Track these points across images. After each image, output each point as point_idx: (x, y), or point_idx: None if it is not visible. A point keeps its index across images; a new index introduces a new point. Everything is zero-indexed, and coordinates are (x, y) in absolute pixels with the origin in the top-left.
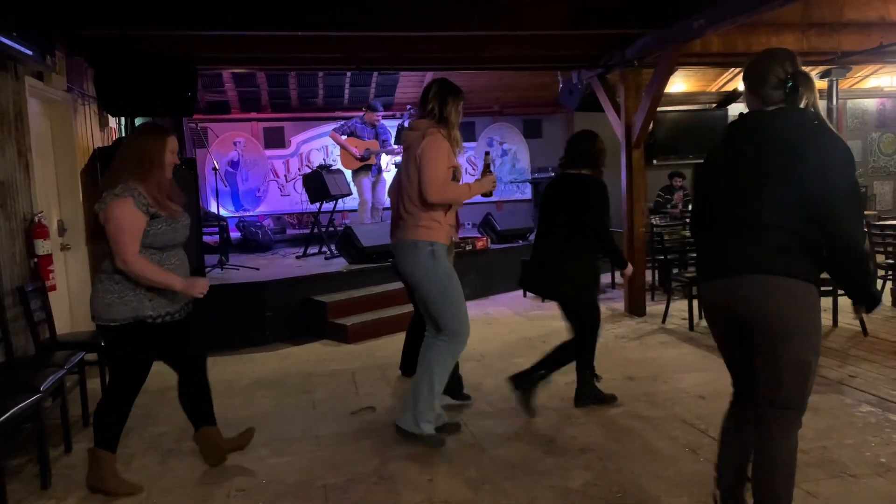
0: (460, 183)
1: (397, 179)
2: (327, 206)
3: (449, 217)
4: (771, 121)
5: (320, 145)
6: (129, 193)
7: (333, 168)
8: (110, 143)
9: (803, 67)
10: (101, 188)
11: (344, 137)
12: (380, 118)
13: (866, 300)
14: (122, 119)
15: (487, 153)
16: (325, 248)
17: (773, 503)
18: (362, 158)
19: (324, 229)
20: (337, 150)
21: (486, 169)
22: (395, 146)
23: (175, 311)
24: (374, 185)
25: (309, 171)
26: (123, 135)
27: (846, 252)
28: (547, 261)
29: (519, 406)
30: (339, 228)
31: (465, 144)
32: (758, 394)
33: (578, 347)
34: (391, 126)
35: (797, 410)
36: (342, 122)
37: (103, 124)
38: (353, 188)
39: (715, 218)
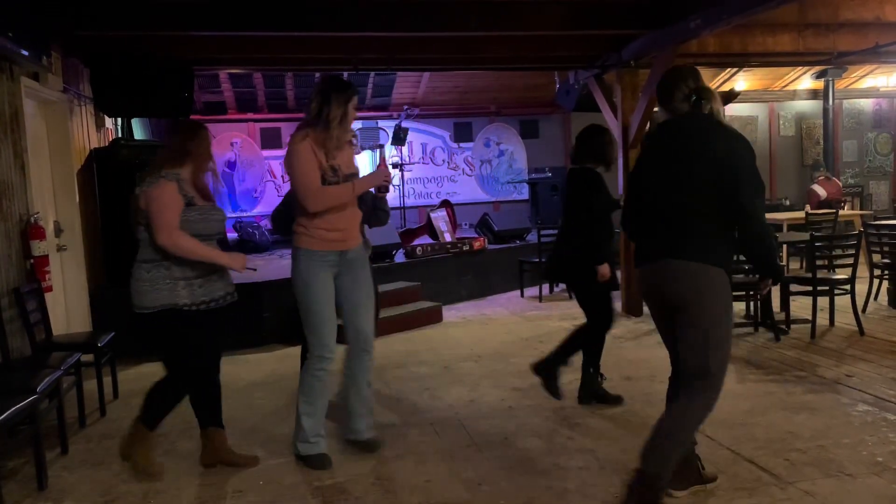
0: (357, 179)
1: None
2: None
3: (324, 222)
4: (684, 124)
5: None
6: (173, 178)
7: None
8: (107, 144)
9: (800, 68)
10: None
11: None
12: None
13: (772, 272)
14: (119, 120)
15: (382, 146)
16: None
17: (666, 445)
18: None
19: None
20: None
21: (382, 162)
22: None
23: (214, 298)
24: None
25: None
26: (120, 136)
27: (750, 224)
28: (556, 250)
29: (545, 392)
30: None
31: (463, 145)
32: (685, 366)
33: (586, 338)
34: (388, 126)
35: (718, 378)
36: (372, 122)
37: (100, 125)
38: None
39: (645, 210)
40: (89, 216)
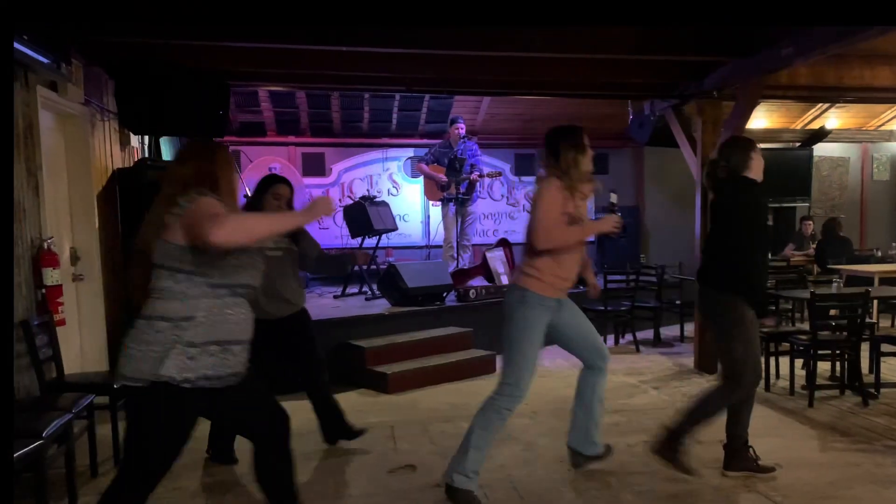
0: (587, 223)
1: None
2: (369, 241)
3: (560, 269)
4: None
5: (364, 174)
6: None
7: (378, 199)
8: (132, 164)
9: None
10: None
11: (427, 167)
12: (461, 130)
13: None
14: (146, 138)
15: (614, 191)
16: (365, 288)
17: None
18: (442, 188)
19: (365, 267)
20: (382, 180)
21: (610, 209)
22: (483, 169)
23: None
24: (459, 218)
25: (351, 202)
26: (147, 155)
27: None
28: None
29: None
30: (381, 266)
31: (525, 179)
32: None
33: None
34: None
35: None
36: (427, 150)
37: (124, 143)
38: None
39: None
40: (109, 243)
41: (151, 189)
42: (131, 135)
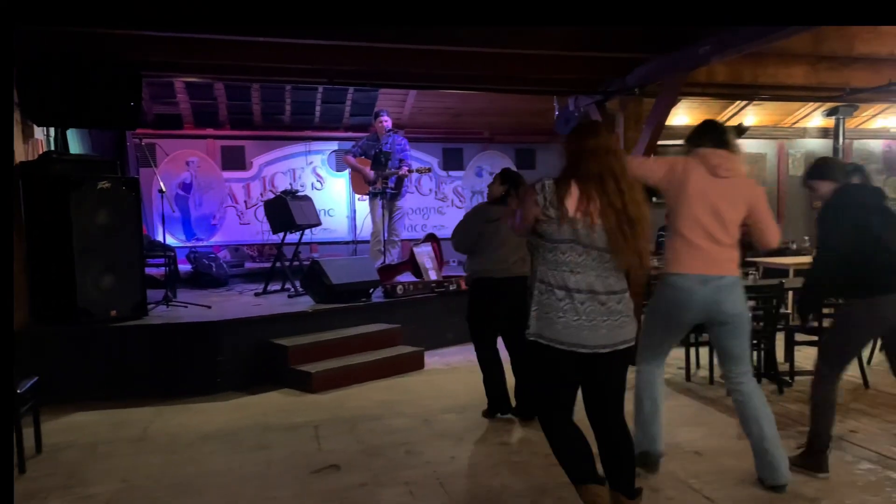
0: None
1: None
2: (292, 237)
3: None
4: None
5: (286, 168)
6: None
7: (300, 194)
8: (36, 157)
9: (811, 104)
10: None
11: (354, 160)
12: (386, 124)
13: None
14: (51, 130)
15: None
16: (288, 285)
17: None
18: (369, 182)
19: (287, 264)
20: (305, 174)
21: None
22: (412, 164)
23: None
24: (387, 213)
25: (272, 196)
26: (53, 148)
27: None
28: None
29: None
30: (305, 263)
31: (453, 174)
32: None
33: None
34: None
35: None
36: (353, 143)
37: (28, 135)
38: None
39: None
40: (13, 241)
41: (57, 183)
42: (35, 126)
